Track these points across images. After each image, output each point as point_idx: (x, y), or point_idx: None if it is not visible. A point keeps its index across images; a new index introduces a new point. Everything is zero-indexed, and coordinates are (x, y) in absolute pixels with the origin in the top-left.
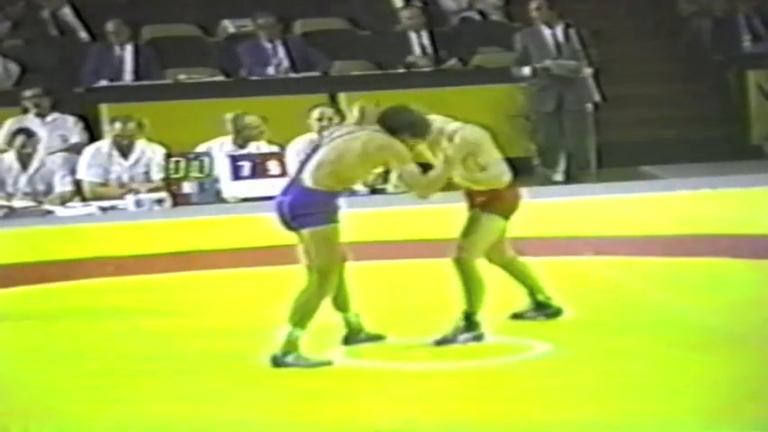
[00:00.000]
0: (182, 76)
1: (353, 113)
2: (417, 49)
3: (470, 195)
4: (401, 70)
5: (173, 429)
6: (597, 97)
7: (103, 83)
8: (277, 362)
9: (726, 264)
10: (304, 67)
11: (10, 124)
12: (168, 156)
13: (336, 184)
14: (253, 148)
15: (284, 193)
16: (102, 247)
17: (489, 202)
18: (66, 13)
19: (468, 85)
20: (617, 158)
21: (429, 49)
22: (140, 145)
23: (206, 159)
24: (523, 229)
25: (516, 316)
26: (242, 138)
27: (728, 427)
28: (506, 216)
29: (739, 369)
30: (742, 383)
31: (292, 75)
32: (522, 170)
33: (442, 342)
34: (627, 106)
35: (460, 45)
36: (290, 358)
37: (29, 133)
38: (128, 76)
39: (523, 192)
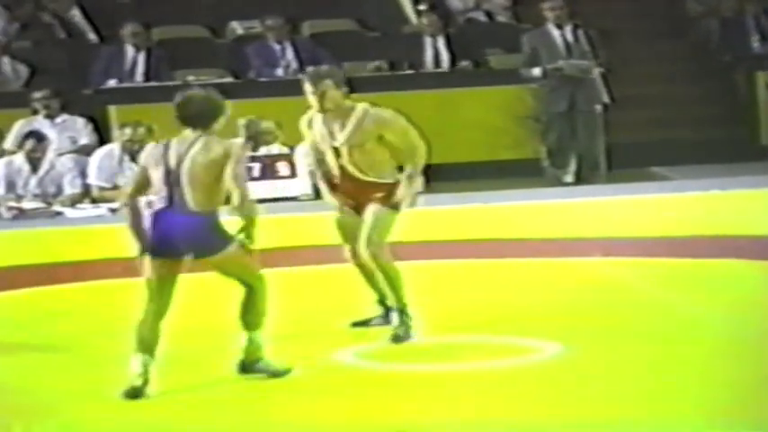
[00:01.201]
0: (190, 78)
1: None
2: (430, 53)
3: (364, 190)
4: (410, 71)
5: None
6: (606, 98)
7: (112, 84)
8: (246, 369)
9: (735, 265)
10: None
11: (19, 126)
12: None
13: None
14: (263, 150)
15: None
16: (111, 249)
17: (388, 197)
18: (75, 14)
19: (478, 86)
20: (626, 160)
21: (443, 54)
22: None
23: None
24: (533, 231)
25: (359, 324)
26: (255, 142)
27: (738, 428)
28: (398, 211)
29: (749, 370)
30: (752, 384)
31: (301, 76)
32: (531, 171)
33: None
34: (636, 107)
35: (466, 46)
36: (259, 365)
37: (38, 135)
38: (139, 78)
39: (534, 193)
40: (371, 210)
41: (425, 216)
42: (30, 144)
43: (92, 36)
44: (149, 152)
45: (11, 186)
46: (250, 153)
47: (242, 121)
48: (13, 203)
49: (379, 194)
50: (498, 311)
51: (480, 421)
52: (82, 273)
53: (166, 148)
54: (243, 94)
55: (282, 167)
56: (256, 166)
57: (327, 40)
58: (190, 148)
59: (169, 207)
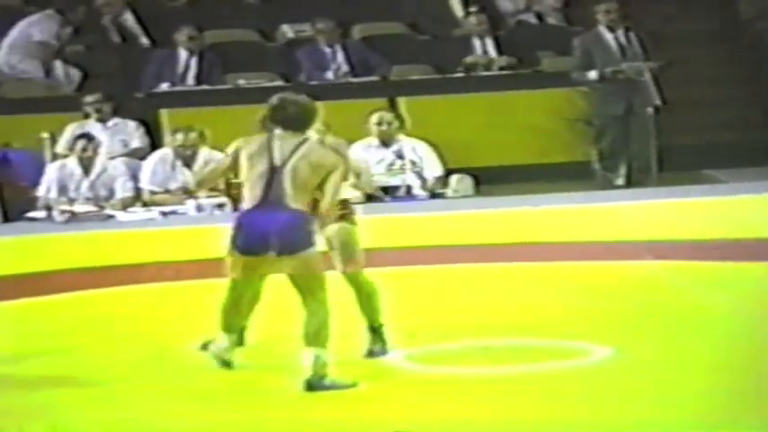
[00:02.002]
0: (241, 81)
1: None
2: (479, 54)
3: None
4: (460, 74)
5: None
6: (658, 101)
7: (164, 87)
8: (312, 387)
9: None
10: (363, 72)
11: (71, 130)
12: None
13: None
14: None
15: (259, 218)
16: (162, 252)
17: (349, 214)
18: (128, 18)
19: (529, 89)
20: (677, 162)
21: (492, 55)
22: (204, 153)
23: None
24: (584, 234)
25: None
26: None
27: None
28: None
29: None
30: None
31: (351, 79)
32: (582, 174)
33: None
34: (687, 110)
35: (516, 48)
36: (326, 381)
37: (90, 138)
38: (190, 82)
39: (585, 196)
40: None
41: (476, 219)
42: (81, 144)
43: (144, 40)
44: (243, 146)
45: (63, 190)
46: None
47: None
48: (65, 207)
49: None
50: (549, 315)
51: (531, 423)
52: (134, 276)
53: (269, 144)
54: None
55: None
56: None
57: (378, 44)
58: (296, 149)
59: (261, 204)
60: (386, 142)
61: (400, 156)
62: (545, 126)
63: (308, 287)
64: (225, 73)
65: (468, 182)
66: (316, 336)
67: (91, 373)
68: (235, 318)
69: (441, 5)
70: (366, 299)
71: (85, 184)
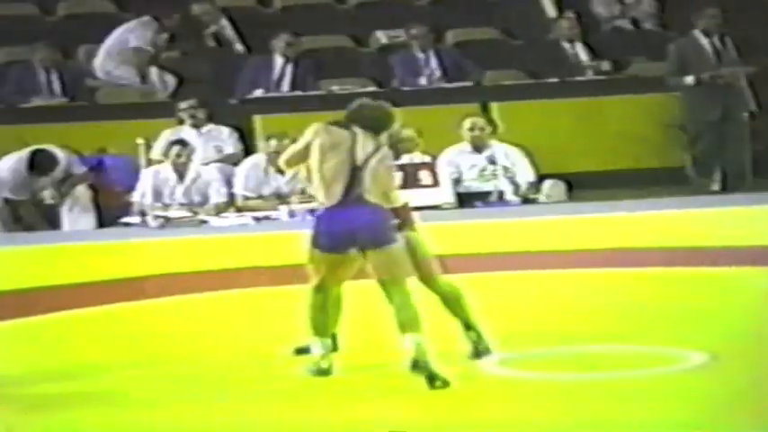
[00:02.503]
0: (334, 87)
1: None
2: (571, 60)
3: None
4: (554, 80)
5: None
6: (754, 106)
7: (257, 93)
8: (418, 366)
9: None
10: (456, 77)
11: (166, 135)
12: None
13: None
14: (405, 158)
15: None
16: (255, 257)
17: (408, 222)
18: (224, 25)
19: (622, 94)
20: None
21: (584, 60)
22: None
23: None
24: (678, 240)
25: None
26: (396, 150)
27: None
28: None
29: None
30: None
31: (444, 84)
32: (676, 180)
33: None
34: None
35: (610, 53)
36: (427, 366)
37: (184, 144)
38: (285, 88)
39: (679, 202)
40: None
41: (569, 225)
42: (175, 150)
43: (239, 46)
44: (319, 135)
45: (157, 195)
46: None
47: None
48: (159, 212)
49: None
50: (642, 320)
51: (625, 429)
52: (228, 281)
53: (353, 142)
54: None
55: (425, 176)
56: (398, 175)
57: (471, 49)
58: (376, 151)
59: (343, 202)
60: (478, 147)
61: (493, 161)
62: (638, 131)
63: (394, 279)
64: (318, 79)
65: (560, 187)
66: (412, 322)
67: (198, 377)
68: (325, 321)
69: (534, 10)
70: (454, 302)
71: (180, 189)
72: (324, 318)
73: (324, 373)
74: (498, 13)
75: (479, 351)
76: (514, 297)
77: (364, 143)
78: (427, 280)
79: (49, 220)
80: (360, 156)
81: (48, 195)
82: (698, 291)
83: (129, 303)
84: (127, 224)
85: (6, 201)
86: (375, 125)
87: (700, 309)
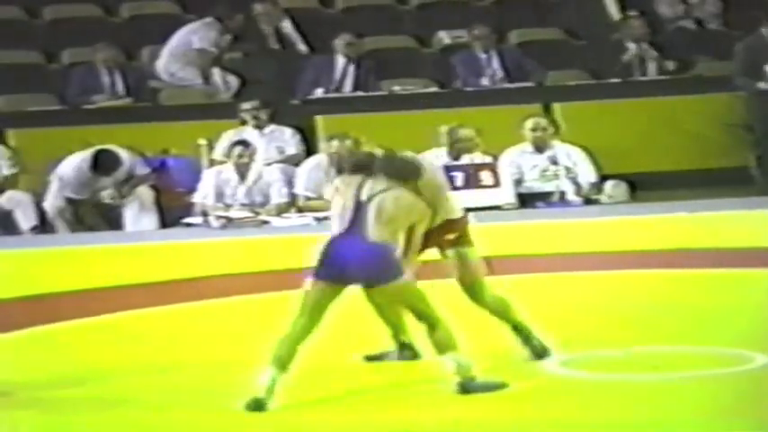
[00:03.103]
0: (396, 88)
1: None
2: (636, 60)
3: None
4: (616, 80)
5: None
6: None
7: (319, 94)
8: (466, 389)
9: None
10: (518, 78)
11: (229, 136)
12: None
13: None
14: (466, 159)
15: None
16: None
17: (461, 238)
18: (286, 26)
19: (686, 93)
20: None
21: (648, 60)
22: None
23: None
24: (743, 240)
25: (373, 358)
26: (456, 150)
27: None
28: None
29: None
30: None
31: (506, 85)
32: (739, 180)
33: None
34: None
35: (674, 53)
36: (475, 384)
37: (246, 145)
38: (347, 88)
39: (743, 202)
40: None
41: (631, 225)
42: (237, 150)
43: (302, 47)
44: (338, 181)
45: (219, 196)
46: (452, 162)
47: (443, 129)
48: (221, 213)
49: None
50: (707, 321)
51: (690, 430)
52: (289, 281)
53: (363, 180)
54: (448, 104)
55: (486, 176)
56: (460, 176)
57: (534, 49)
58: (384, 191)
59: (347, 233)
60: (540, 148)
61: (554, 161)
62: (702, 131)
63: (412, 310)
64: (380, 79)
65: (623, 187)
66: (446, 342)
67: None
68: (290, 354)
69: (598, 10)
70: (504, 314)
71: (242, 190)
72: (290, 351)
73: (257, 406)
74: (561, 13)
75: (537, 351)
76: (576, 298)
77: (375, 183)
78: (476, 299)
79: (112, 220)
80: (364, 193)
81: (107, 195)
82: (764, 292)
83: (191, 304)
84: (189, 225)
85: (69, 201)
86: (398, 175)
87: (765, 310)
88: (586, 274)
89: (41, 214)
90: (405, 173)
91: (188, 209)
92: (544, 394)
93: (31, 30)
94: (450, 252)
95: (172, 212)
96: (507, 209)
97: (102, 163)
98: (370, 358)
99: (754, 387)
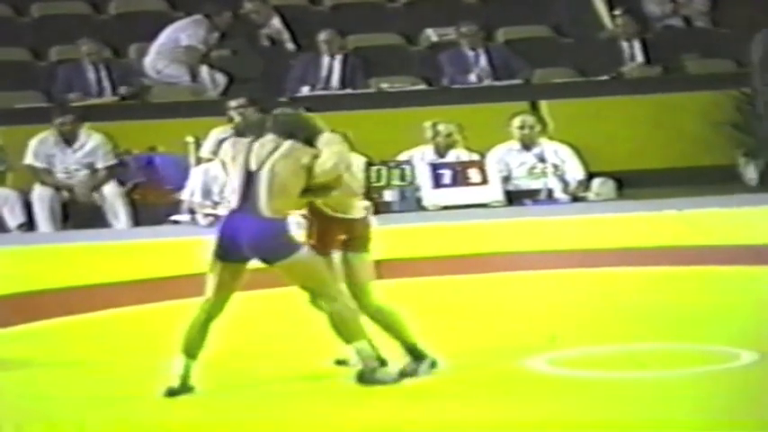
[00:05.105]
0: (384, 85)
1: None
2: (627, 58)
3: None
4: (604, 77)
5: None
6: None
7: (304, 91)
8: (364, 379)
9: None
10: (505, 76)
11: (216, 134)
12: (369, 164)
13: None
14: (453, 156)
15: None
16: None
17: (357, 239)
18: (275, 23)
19: (674, 92)
20: None
21: (639, 58)
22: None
23: (407, 167)
24: (729, 237)
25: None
26: (438, 145)
27: None
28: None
29: None
30: None
31: (494, 83)
32: (727, 178)
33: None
34: None
35: (663, 51)
36: (378, 374)
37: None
38: (334, 85)
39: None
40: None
41: (618, 222)
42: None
43: (289, 45)
44: (228, 147)
45: (207, 193)
46: (439, 159)
47: (427, 124)
48: (209, 210)
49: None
50: (694, 318)
51: (678, 427)
52: (277, 279)
53: (250, 147)
54: (436, 101)
55: (474, 174)
56: (447, 173)
57: (521, 47)
58: (273, 151)
59: (239, 209)
60: (527, 145)
61: (542, 159)
62: (689, 129)
63: (309, 290)
64: (368, 77)
65: (610, 185)
66: (346, 331)
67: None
68: (199, 340)
69: (585, 9)
70: (390, 325)
71: (229, 187)
72: (199, 335)
73: (172, 394)
74: (548, 11)
75: (415, 371)
76: (563, 295)
77: (263, 145)
78: (363, 305)
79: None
80: (254, 160)
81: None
82: (748, 289)
83: (178, 301)
84: (176, 222)
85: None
86: (289, 131)
87: (751, 307)
88: (573, 271)
89: (28, 211)
90: (296, 128)
91: (175, 206)
92: (531, 393)
93: (19, 27)
94: (336, 255)
95: (159, 210)
96: (495, 206)
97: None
98: (339, 362)
99: (741, 384)
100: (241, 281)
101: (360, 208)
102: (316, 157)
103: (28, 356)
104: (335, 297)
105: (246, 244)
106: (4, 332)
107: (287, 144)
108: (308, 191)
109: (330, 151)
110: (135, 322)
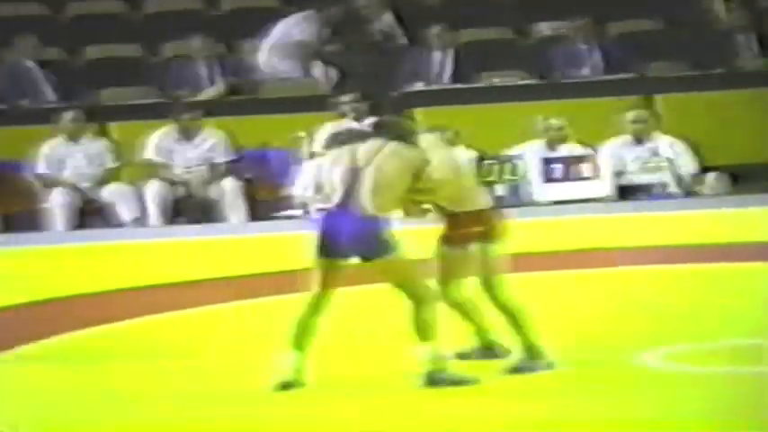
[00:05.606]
0: (495, 80)
1: None
2: (743, 51)
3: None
4: (719, 70)
5: None
6: None
7: (418, 86)
8: (433, 380)
9: None
10: (619, 69)
11: (328, 128)
12: (481, 159)
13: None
14: (565, 150)
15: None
16: (410, 250)
17: (489, 231)
18: (387, 18)
19: None
20: None
21: (755, 51)
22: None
23: (518, 162)
24: None
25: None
26: (549, 140)
27: None
28: None
29: None
30: None
31: (606, 77)
32: None
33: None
34: None
35: None
36: (446, 375)
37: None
38: (446, 80)
39: None
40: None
41: (733, 217)
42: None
43: (401, 39)
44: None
45: (319, 189)
46: (551, 154)
47: (538, 120)
48: (321, 205)
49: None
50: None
51: None
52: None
53: (355, 146)
54: (547, 96)
55: (585, 168)
56: (558, 168)
57: (634, 40)
58: (380, 149)
59: (339, 207)
60: (640, 140)
61: (656, 153)
62: None
63: (399, 288)
64: (479, 71)
65: (724, 180)
66: (424, 331)
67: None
68: (308, 333)
69: (699, 1)
70: (513, 319)
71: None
72: (308, 332)
73: (286, 387)
74: (663, 4)
75: (530, 369)
76: (678, 290)
77: (370, 146)
78: (491, 297)
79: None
80: (361, 158)
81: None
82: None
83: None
84: (289, 217)
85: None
86: (394, 133)
87: None
88: (687, 266)
89: (142, 206)
90: (400, 132)
91: (288, 201)
92: (645, 387)
93: (132, 23)
94: (472, 246)
95: (271, 204)
96: (606, 201)
97: None
98: (460, 356)
99: None
100: (342, 277)
101: (477, 200)
102: (425, 161)
103: (141, 350)
104: (424, 298)
105: (345, 241)
106: (116, 327)
107: (393, 144)
108: (412, 191)
109: (439, 159)
110: (246, 317)
